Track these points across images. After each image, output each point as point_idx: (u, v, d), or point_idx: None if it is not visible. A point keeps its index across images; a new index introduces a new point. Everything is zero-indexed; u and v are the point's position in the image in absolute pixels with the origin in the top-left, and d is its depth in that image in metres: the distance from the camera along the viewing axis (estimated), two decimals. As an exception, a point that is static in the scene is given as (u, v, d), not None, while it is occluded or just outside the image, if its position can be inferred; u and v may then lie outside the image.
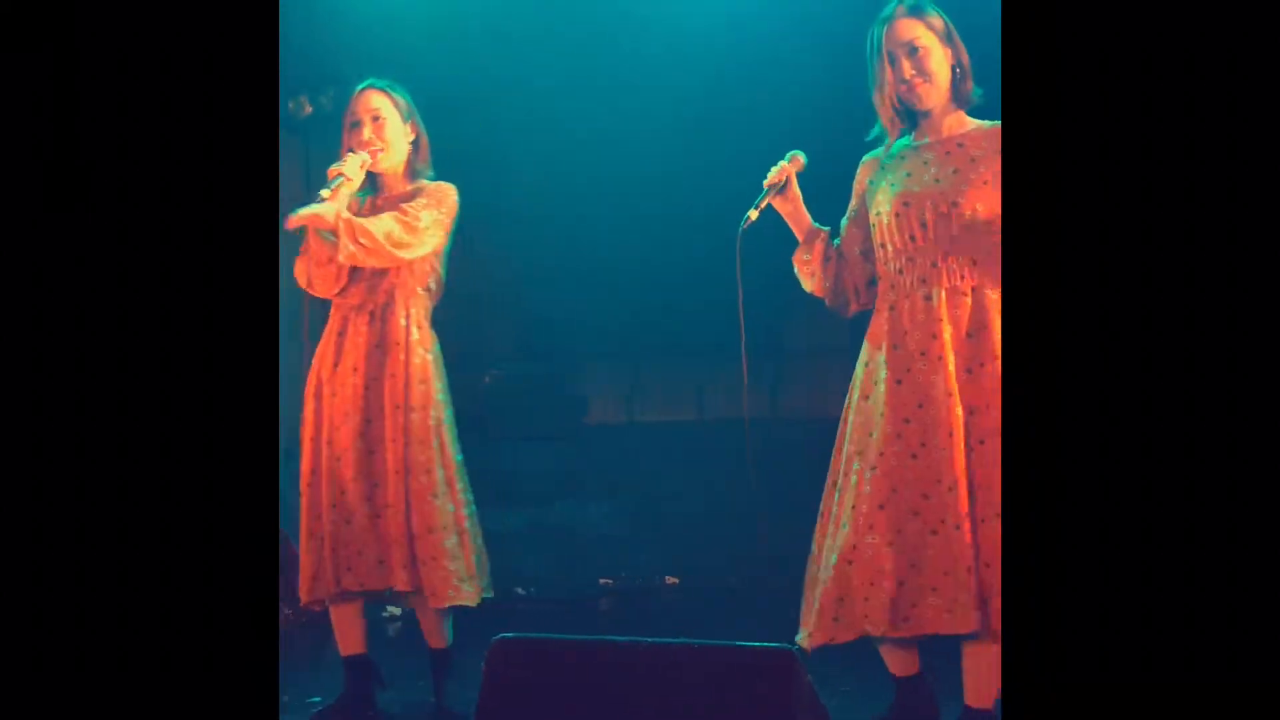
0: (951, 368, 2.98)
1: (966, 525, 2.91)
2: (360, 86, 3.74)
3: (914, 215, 3.09)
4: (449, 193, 3.69)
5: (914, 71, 3.10)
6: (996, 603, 2.88)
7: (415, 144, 3.75)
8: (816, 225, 3.27)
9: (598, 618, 5.25)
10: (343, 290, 3.71)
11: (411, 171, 3.76)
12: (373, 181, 3.75)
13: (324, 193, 3.51)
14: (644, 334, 5.58)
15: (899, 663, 3.18)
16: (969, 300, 3.03)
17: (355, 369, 3.65)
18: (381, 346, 3.64)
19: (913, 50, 3.10)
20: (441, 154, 3.82)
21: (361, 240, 3.51)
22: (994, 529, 2.88)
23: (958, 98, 3.15)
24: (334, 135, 3.78)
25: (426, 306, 3.74)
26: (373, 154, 3.64)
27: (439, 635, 3.76)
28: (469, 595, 3.61)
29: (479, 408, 3.86)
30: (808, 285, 3.32)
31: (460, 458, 3.71)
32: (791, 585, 3.23)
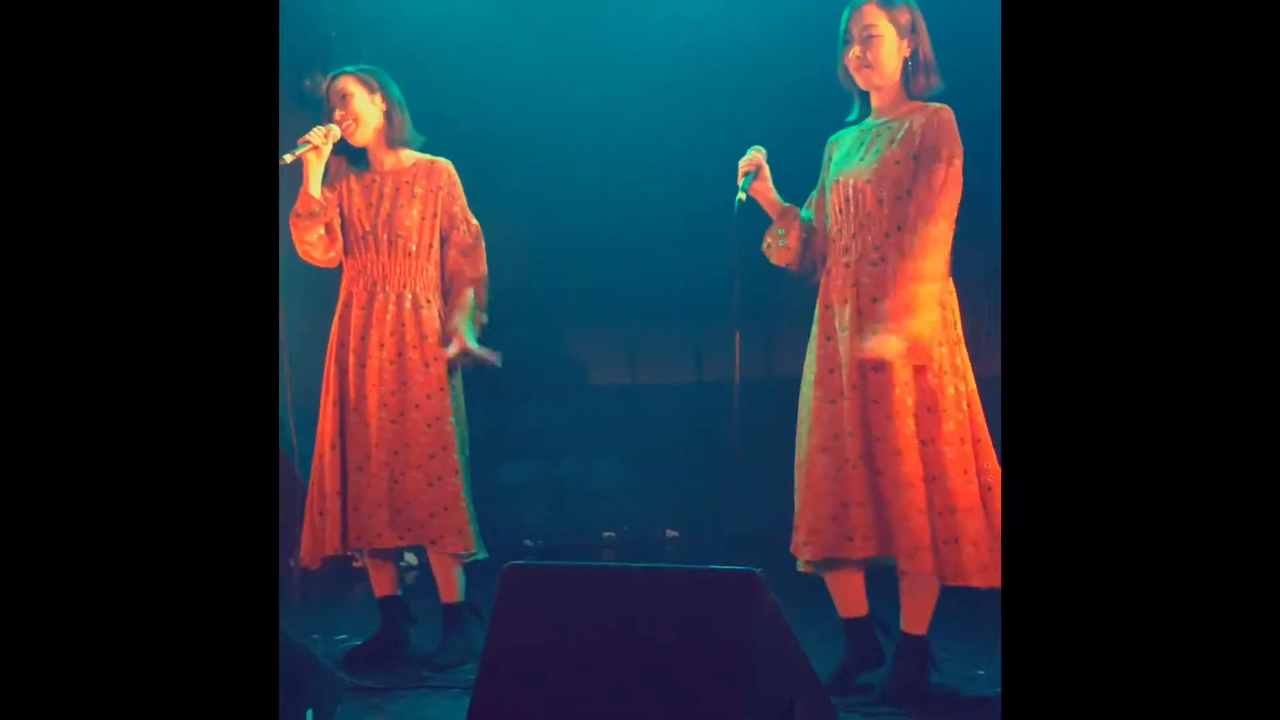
0: (850, 330, 3.31)
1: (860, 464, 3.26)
2: (332, 74, 3.93)
3: (841, 191, 3.38)
4: (457, 188, 3.95)
5: (858, 56, 3.32)
6: (918, 527, 3.20)
7: (388, 115, 3.92)
8: (785, 203, 3.54)
9: (602, 569, 5.50)
10: (336, 258, 3.94)
11: (390, 140, 3.94)
12: (358, 157, 3.95)
13: (287, 157, 3.69)
14: (640, 300, 5.77)
15: (847, 601, 3.44)
16: (875, 270, 3.29)
17: (382, 344, 3.87)
18: (401, 322, 3.87)
19: (867, 38, 3.30)
20: (440, 128, 4.02)
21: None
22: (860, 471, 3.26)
23: (908, 86, 3.35)
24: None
25: (437, 281, 3.96)
26: (344, 130, 3.85)
27: (452, 589, 3.94)
28: (471, 543, 3.86)
29: (487, 369, 4.13)
30: (776, 257, 3.58)
31: (466, 418, 3.95)
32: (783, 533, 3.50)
